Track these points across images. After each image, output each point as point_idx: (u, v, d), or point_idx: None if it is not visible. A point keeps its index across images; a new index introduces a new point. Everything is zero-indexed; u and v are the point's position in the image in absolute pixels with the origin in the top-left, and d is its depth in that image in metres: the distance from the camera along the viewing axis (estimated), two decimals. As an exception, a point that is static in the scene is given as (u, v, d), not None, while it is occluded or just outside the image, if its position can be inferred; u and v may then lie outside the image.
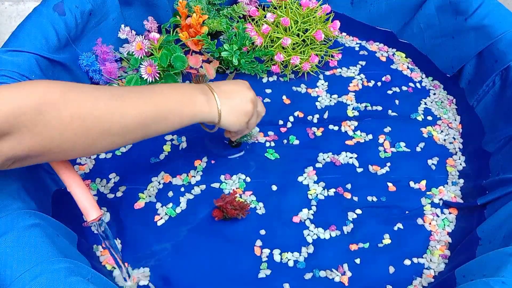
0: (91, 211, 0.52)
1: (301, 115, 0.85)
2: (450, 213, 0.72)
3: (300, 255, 0.66)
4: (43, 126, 0.43)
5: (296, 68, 0.89)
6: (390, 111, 0.86)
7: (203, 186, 0.73)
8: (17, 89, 0.42)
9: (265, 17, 0.90)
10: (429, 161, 0.78)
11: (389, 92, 0.89)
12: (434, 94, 0.90)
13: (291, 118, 0.84)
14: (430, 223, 0.70)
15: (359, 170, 0.76)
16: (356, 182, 0.75)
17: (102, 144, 0.49)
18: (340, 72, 0.93)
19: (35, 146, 0.44)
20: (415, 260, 0.66)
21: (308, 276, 0.64)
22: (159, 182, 0.73)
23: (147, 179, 0.74)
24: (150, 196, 0.72)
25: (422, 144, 0.80)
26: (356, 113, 0.85)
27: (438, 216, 0.71)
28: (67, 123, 0.44)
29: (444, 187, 0.75)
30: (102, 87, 0.50)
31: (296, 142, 0.80)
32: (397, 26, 0.96)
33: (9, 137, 0.42)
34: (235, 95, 0.61)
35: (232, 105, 0.60)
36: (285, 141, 0.80)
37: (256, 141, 0.79)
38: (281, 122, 0.83)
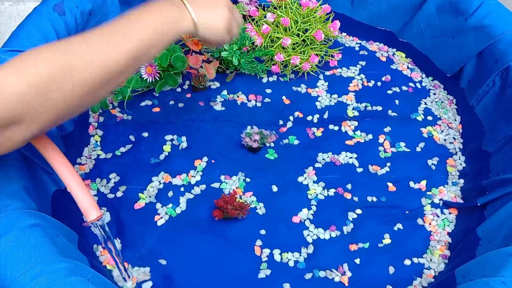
0: (91, 211, 0.52)
1: (301, 115, 0.85)
2: (450, 213, 0.72)
3: (300, 255, 0.66)
4: (48, 107, 0.44)
5: (296, 68, 0.89)
6: (390, 111, 0.86)
7: (203, 186, 0.73)
8: (15, 75, 0.42)
9: (265, 17, 0.90)
10: (429, 161, 0.78)
11: (389, 92, 0.89)
12: (434, 94, 0.90)
13: (291, 118, 0.84)
14: (430, 223, 0.70)
15: (359, 170, 0.76)
16: (356, 182, 0.75)
17: (107, 90, 0.50)
18: (340, 72, 0.93)
19: (45, 123, 0.45)
20: (415, 260, 0.66)
21: (308, 276, 0.64)
22: (159, 182, 0.73)
23: (147, 179, 0.74)
24: (150, 196, 0.72)
25: (422, 144, 0.80)
26: (356, 113, 0.85)
27: (438, 216, 0.71)
28: (70, 93, 0.45)
29: (444, 187, 0.75)
30: (79, 40, 0.48)
31: (296, 142, 0.80)
32: (397, 26, 0.96)
33: (18, 125, 0.43)
34: (209, 4, 0.58)
35: (207, 12, 0.57)
36: (285, 141, 0.80)
37: (272, 143, 0.80)
38: (281, 122, 0.83)
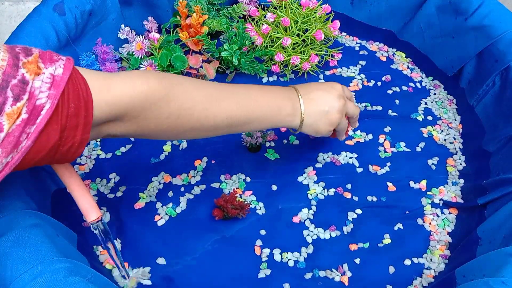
0: (91, 212, 0.52)
1: (301, 115, 0.85)
2: (450, 213, 0.72)
3: (300, 255, 0.66)
4: (143, 118, 0.48)
5: (296, 68, 0.89)
6: (390, 111, 0.86)
7: (203, 186, 0.73)
8: (131, 80, 0.47)
9: (265, 17, 0.90)
10: (429, 161, 0.78)
11: (389, 92, 0.89)
12: (434, 94, 0.90)
13: (291, 118, 0.84)
14: (430, 223, 0.70)
15: (359, 170, 0.76)
16: (356, 182, 0.75)
17: (189, 135, 0.55)
18: (340, 72, 0.93)
19: (130, 131, 0.50)
20: (415, 260, 0.66)
21: (308, 276, 0.64)
22: (159, 182, 0.73)
23: (147, 179, 0.74)
24: (150, 196, 0.72)
25: (422, 144, 0.80)
26: (356, 113, 0.85)
27: (438, 216, 0.71)
28: (164, 118, 0.50)
29: (444, 187, 0.75)
30: (203, 85, 0.54)
31: (296, 142, 0.80)
32: (397, 26, 0.96)
33: (113, 122, 0.47)
34: (322, 104, 0.61)
35: (317, 115, 0.61)
36: (285, 141, 0.80)
37: (272, 142, 0.80)
38: (281, 122, 0.83)
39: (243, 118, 0.55)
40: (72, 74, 0.42)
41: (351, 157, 0.78)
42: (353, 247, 0.67)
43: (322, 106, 0.61)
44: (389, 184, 0.75)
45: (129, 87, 0.46)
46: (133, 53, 0.83)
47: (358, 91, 0.89)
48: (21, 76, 0.38)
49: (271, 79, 0.91)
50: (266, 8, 0.94)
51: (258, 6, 0.96)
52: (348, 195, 0.73)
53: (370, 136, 0.81)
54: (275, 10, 0.91)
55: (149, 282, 0.62)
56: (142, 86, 0.47)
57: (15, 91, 0.37)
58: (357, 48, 0.98)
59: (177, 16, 0.91)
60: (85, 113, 0.42)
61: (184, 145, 0.79)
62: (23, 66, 0.38)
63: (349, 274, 0.64)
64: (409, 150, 0.80)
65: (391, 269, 0.65)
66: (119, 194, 0.72)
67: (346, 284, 0.63)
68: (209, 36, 0.90)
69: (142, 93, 0.47)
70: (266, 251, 0.66)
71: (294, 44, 0.88)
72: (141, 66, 0.81)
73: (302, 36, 0.88)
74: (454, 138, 0.82)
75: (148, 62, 0.80)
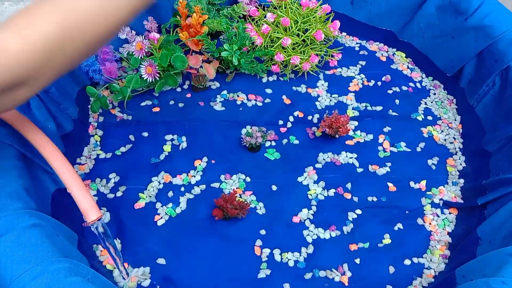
0: (90, 212, 0.52)
1: (301, 115, 0.85)
2: (450, 213, 0.72)
3: (300, 255, 0.66)
4: (51, 67, 0.43)
5: (296, 68, 0.89)
6: (390, 111, 0.86)
7: (203, 186, 0.73)
8: (22, 39, 0.40)
9: (265, 17, 0.90)
10: (429, 161, 0.78)
11: (389, 92, 0.89)
12: (434, 94, 0.90)
13: (291, 118, 0.84)
14: (430, 223, 0.70)
15: (359, 170, 0.76)
16: (356, 182, 0.75)
17: (103, 44, 0.48)
18: (340, 72, 0.93)
19: (46, 83, 0.44)
20: (415, 260, 0.66)
21: (308, 276, 0.64)
22: (159, 182, 0.73)
23: (147, 179, 0.74)
24: (150, 196, 0.72)
25: (422, 144, 0.80)
26: (356, 113, 0.85)
27: (438, 216, 0.71)
28: (71, 53, 0.43)
29: (444, 187, 0.75)
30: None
31: (296, 142, 0.80)
32: (397, 26, 0.96)
33: (24, 86, 0.42)
34: None
35: None
36: (285, 141, 0.80)
37: (273, 142, 0.80)
38: (281, 122, 0.83)
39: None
40: None
41: (351, 157, 0.78)
42: (353, 247, 0.67)
43: None
44: (389, 184, 0.75)
45: (23, 45, 0.40)
46: (133, 53, 0.83)
47: (358, 91, 0.89)
48: None
49: (271, 79, 0.91)
50: (266, 8, 0.94)
51: (258, 6, 0.96)
52: (348, 195, 0.73)
53: (370, 136, 0.81)
54: (275, 10, 0.91)
55: (148, 282, 0.62)
56: (35, 36, 0.40)
57: None
58: (357, 48, 0.98)
59: (177, 16, 0.91)
60: None
61: (184, 145, 0.79)
62: None
63: (349, 274, 0.64)
64: (409, 150, 0.80)
65: (391, 269, 0.65)
66: (119, 194, 0.72)
67: (346, 284, 0.63)
68: (209, 36, 0.90)
69: (39, 45, 0.40)
70: (266, 251, 0.66)
71: (294, 44, 0.88)
72: (141, 66, 0.81)
73: (302, 36, 0.88)
74: (454, 138, 0.82)
75: (148, 62, 0.80)
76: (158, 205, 0.71)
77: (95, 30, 0.45)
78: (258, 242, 0.67)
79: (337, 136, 0.79)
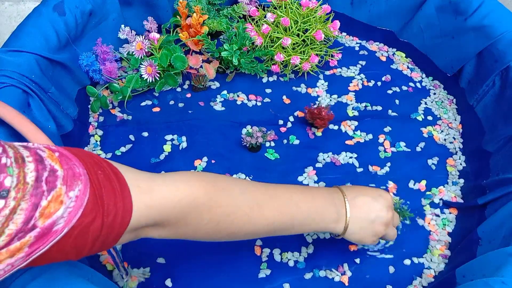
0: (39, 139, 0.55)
1: (301, 115, 0.85)
2: (450, 213, 0.72)
3: (300, 255, 0.66)
4: (183, 224, 0.46)
5: (296, 68, 0.89)
6: (390, 111, 0.86)
7: (203, 186, 0.73)
8: (174, 184, 0.44)
9: (265, 17, 0.90)
10: (429, 161, 0.78)
11: (389, 92, 0.89)
12: (434, 94, 0.90)
13: (291, 118, 0.84)
14: (430, 223, 0.70)
15: (359, 170, 0.76)
16: (356, 182, 0.75)
17: (226, 239, 0.51)
18: (340, 72, 0.93)
19: (168, 235, 0.47)
20: (415, 260, 0.66)
21: (308, 276, 0.64)
22: (159, 182, 0.73)
23: (147, 179, 0.73)
24: (150, 196, 0.71)
25: (422, 144, 0.80)
26: (356, 113, 0.85)
27: (438, 216, 0.71)
28: (203, 224, 0.47)
29: (444, 187, 0.75)
30: (248, 188, 0.50)
31: (296, 142, 0.80)
32: (397, 26, 0.96)
33: (153, 227, 0.45)
34: (368, 212, 0.55)
35: (362, 223, 0.55)
36: (285, 141, 0.80)
37: (272, 142, 0.80)
38: (281, 122, 0.83)
39: (283, 225, 0.52)
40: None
41: (351, 157, 0.78)
42: (353, 247, 0.67)
43: (368, 215, 0.55)
44: (389, 184, 0.75)
45: (171, 192, 0.43)
46: (133, 53, 0.83)
47: (358, 91, 0.89)
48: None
49: (271, 79, 0.91)
50: (266, 8, 0.94)
51: (258, 6, 0.96)
52: (348, 195, 0.73)
53: (370, 136, 0.81)
54: (275, 10, 0.91)
55: (149, 282, 0.62)
56: (185, 191, 0.44)
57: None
58: (357, 48, 0.98)
59: (177, 16, 0.91)
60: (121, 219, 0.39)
61: (184, 145, 0.79)
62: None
63: (349, 274, 0.64)
64: (409, 150, 0.80)
65: (391, 269, 0.65)
66: (119, 194, 0.72)
67: (346, 284, 0.63)
68: (209, 36, 0.90)
69: (185, 199, 0.44)
70: (266, 251, 0.66)
71: (294, 44, 0.88)
72: (141, 66, 0.81)
73: (302, 36, 0.88)
74: (454, 138, 0.82)
75: (148, 62, 0.80)
76: (158, 205, 0.71)
77: (230, 220, 0.48)
78: (258, 242, 0.67)
79: (318, 127, 0.81)
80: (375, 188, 0.60)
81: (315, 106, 0.80)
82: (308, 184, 0.74)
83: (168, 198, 0.43)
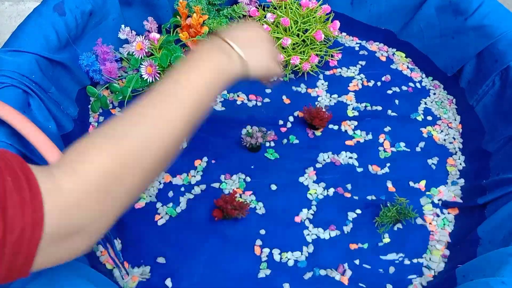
0: (50, 152, 0.53)
1: (301, 115, 0.85)
2: (450, 213, 0.72)
3: (300, 254, 0.66)
4: (112, 201, 0.39)
5: (296, 68, 0.89)
6: (390, 111, 0.86)
7: (203, 186, 0.73)
8: (74, 175, 0.37)
9: (265, 17, 0.90)
10: (429, 161, 0.78)
11: (389, 92, 0.89)
12: (434, 94, 0.90)
13: (291, 118, 0.84)
14: (430, 223, 0.70)
15: (359, 170, 0.76)
16: (356, 182, 0.75)
17: (165, 165, 0.45)
18: (340, 72, 0.93)
19: (109, 222, 0.40)
20: (415, 260, 0.66)
21: (308, 275, 0.64)
22: (159, 182, 0.73)
23: (147, 179, 0.74)
24: (150, 196, 0.72)
25: (422, 144, 0.80)
26: (356, 113, 0.85)
27: (438, 216, 0.71)
28: (131, 181, 0.40)
29: (444, 186, 0.75)
30: (132, 117, 0.43)
31: (296, 142, 0.80)
32: (397, 26, 0.96)
33: (83, 231, 0.38)
34: (252, 37, 0.54)
35: (253, 50, 0.53)
36: (285, 141, 0.80)
37: (272, 142, 0.80)
38: (281, 122, 0.83)
39: (196, 111, 0.46)
40: None
41: (351, 157, 0.78)
42: (353, 247, 0.67)
43: (253, 40, 0.54)
44: (389, 184, 0.75)
45: (75, 181, 0.36)
46: (133, 53, 0.83)
47: (358, 91, 0.89)
48: None
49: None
50: (266, 8, 0.94)
51: (258, 6, 0.96)
52: (348, 195, 0.73)
53: (370, 136, 0.81)
54: (275, 10, 0.91)
55: (149, 282, 0.62)
56: (88, 171, 0.37)
57: None
58: (357, 48, 0.98)
59: (177, 16, 0.91)
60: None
61: (184, 145, 0.79)
62: None
63: (349, 273, 0.64)
64: (409, 150, 0.80)
65: (391, 269, 0.65)
66: (119, 194, 0.72)
67: (346, 283, 0.63)
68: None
69: (93, 180, 0.37)
70: (266, 251, 0.66)
71: (294, 44, 0.88)
72: (141, 66, 0.81)
73: (302, 36, 0.88)
74: (454, 138, 0.82)
75: (148, 62, 0.80)
76: (159, 204, 0.71)
77: (150, 154, 0.42)
78: (258, 242, 0.67)
79: (316, 126, 0.81)
80: (244, 23, 0.59)
81: (311, 109, 0.81)
82: (308, 185, 0.74)
83: (77, 192, 0.36)
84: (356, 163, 0.77)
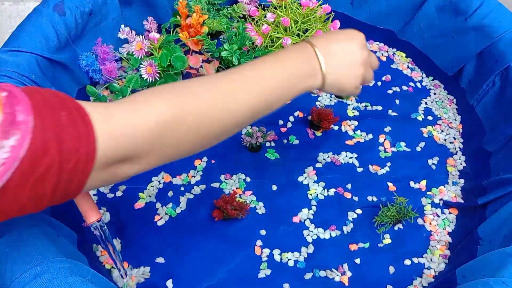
0: (90, 214, 0.52)
1: (301, 115, 0.85)
2: (450, 213, 0.72)
3: (300, 255, 0.66)
4: (160, 147, 0.42)
5: (296, 68, 0.89)
6: (390, 111, 0.86)
7: (203, 186, 0.73)
8: (132, 106, 0.40)
9: (265, 17, 0.90)
10: (430, 161, 0.78)
11: (389, 91, 0.89)
12: (435, 93, 0.90)
13: (291, 118, 0.84)
14: (430, 223, 0.70)
15: (359, 170, 0.76)
16: (356, 182, 0.75)
17: (215, 141, 0.48)
18: (340, 72, 0.93)
19: (151, 165, 0.43)
20: (415, 260, 0.66)
21: (308, 276, 0.64)
22: (159, 182, 0.73)
23: (147, 179, 0.74)
24: (150, 196, 0.72)
25: (422, 144, 0.80)
26: (356, 113, 0.85)
27: (438, 216, 0.71)
28: (183, 137, 0.43)
29: (444, 187, 0.75)
30: (211, 83, 0.46)
31: (296, 142, 0.80)
32: (397, 25, 0.96)
33: (128, 162, 0.41)
34: (344, 56, 0.53)
35: (340, 70, 0.52)
36: (285, 141, 0.80)
37: (272, 142, 0.79)
38: (281, 122, 0.83)
39: (263, 103, 0.49)
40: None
41: (351, 157, 0.78)
42: (353, 247, 0.67)
43: (343, 59, 0.52)
44: (389, 184, 0.75)
45: (132, 117, 0.40)
46: (133, 53, 0.83)
47: (358, 91, 0.89)
48: None
49: (271, 79, 0.91)
50: (266, 8, 0.94)
51: (258, 6, 0.96)
52: (348, 195, 0.73)
53: (370, 136, 0.81)
54: (275, 10, 0.91)
55: (149, 282, 0.62)
56: (147, 112, 0.40)
57: None
58: (357, 48, 0.98)
59: (177, 16, 0.91)
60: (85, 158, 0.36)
61: (184, 145, 0.78)
62: None
63: (349, 274, 0.64)
64: (409, 150, 0.80)
65: (391, 269, 0.65)
66: (119, 194, 0.72)
67: (346, 284, 0.63)
68: (209, 36, 0.90)
69: (150, 120, 0.40)
70: (266, 251, 0.66)
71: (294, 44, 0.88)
72: (141, 66, 0.81)
73: (302, 36, 0.88)
74: (454, 138, 0.82)
75: (148, 62, 0.80)
76: (158, 205, 0.71)
77: (208, 121, 0.44)
78: (258, 242, 0.67)
79: (321, 127, 0.81)
80: (346, 30, 0.56)
81: (319, 109, 0.80)
82: (308, 185, 0.74)
83: (131, 126, 0.39)
84: (356, 163, 0.77)
